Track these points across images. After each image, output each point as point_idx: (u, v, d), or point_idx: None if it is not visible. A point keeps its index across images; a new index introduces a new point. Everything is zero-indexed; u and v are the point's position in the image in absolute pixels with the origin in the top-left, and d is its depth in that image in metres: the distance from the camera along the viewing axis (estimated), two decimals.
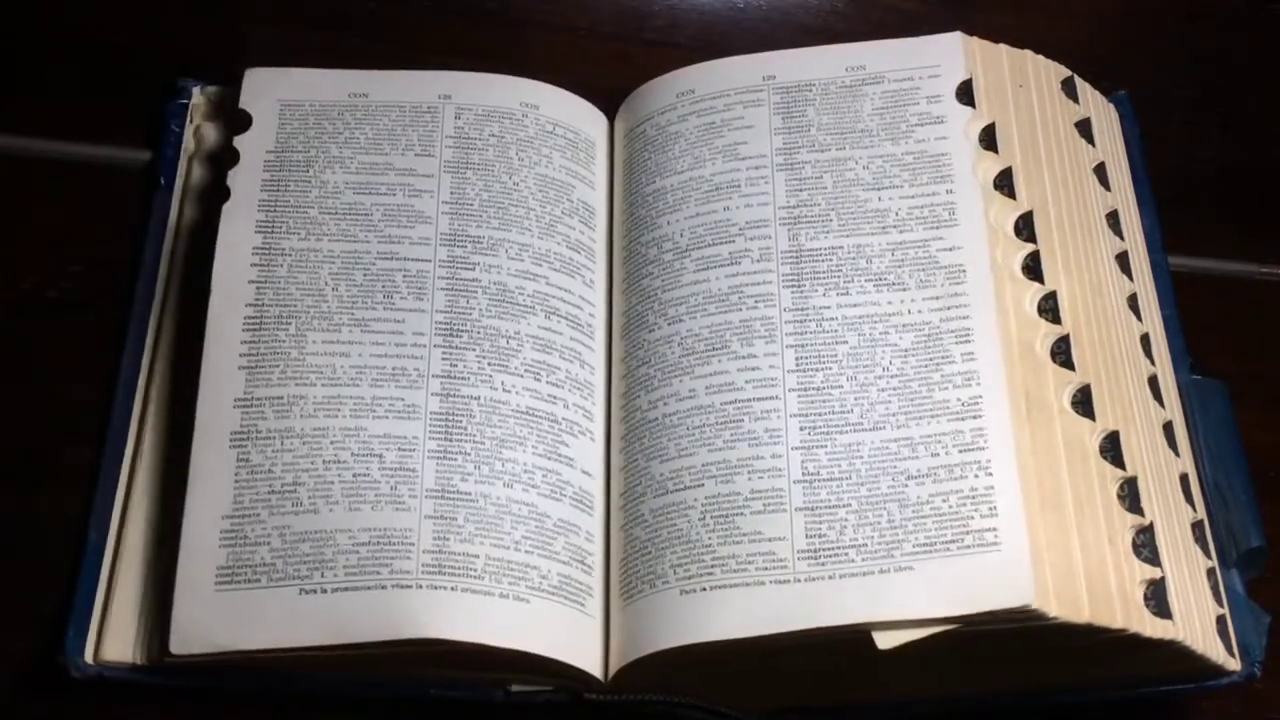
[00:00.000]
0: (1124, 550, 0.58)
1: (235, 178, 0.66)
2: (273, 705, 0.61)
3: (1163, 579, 0.58)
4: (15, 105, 0.74)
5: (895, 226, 0.65)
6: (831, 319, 0.63)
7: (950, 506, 0.58)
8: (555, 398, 0.64)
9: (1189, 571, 0.60)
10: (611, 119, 0.72)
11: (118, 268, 0.70)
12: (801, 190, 0.66)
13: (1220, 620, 0.60)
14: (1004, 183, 0.65)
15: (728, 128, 0.68)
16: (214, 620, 0.57)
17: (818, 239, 0.65)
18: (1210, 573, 0.61)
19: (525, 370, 0.64)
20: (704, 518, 0.60)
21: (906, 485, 0.59)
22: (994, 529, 0.57)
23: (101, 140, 0.73)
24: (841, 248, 0.65)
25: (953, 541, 0.57)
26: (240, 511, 0.59)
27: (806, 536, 0.59)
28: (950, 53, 0.68)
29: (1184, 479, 0.63)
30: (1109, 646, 0.58)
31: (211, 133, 0.71)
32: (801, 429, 0.61)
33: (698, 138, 0.68)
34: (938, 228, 0.64)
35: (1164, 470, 0.62)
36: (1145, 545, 0.59)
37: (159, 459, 0.64)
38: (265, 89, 0.69)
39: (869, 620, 0.56)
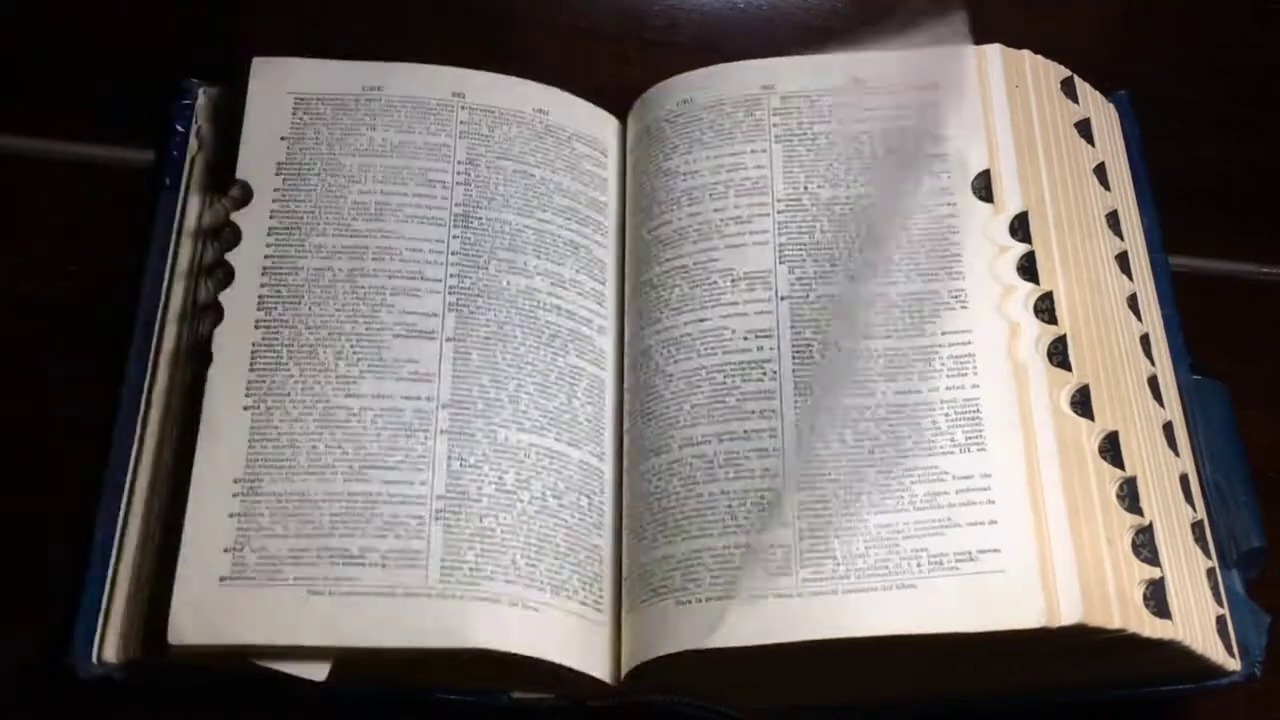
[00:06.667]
0: (1123, 550, 0.58)
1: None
2: (274, 706, 0.61)
3: (1162, 579, 0.58)
4: (15, 105, 0.74)
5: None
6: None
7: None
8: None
9: (1189, 572, 0.60)
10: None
11: (118, 268, 0.70)
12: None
13: (1220, 620, 0.60)
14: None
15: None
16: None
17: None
18: (1210, 573, 0.61)
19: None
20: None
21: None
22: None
23: (102, 140, 0.73)
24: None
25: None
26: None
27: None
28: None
29: (1184, 479, 0.63)
30: (1108, 647, 0.58)
31: (211, 135, 0.71)
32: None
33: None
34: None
35: (1164, 470, 0.62)
36: (1145, 545, 0.59)
37: (163, 458, 0.64)
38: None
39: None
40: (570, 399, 0.64)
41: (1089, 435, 0.60)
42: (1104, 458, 0.60)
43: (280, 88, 0.68)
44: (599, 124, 0.71)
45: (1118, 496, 0.60)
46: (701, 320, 0.64)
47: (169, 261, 0.68)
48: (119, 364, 0.66)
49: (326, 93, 0.69)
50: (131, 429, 0.65)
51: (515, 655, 0.58)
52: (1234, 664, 0.60)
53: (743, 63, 0.71)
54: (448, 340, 0.63)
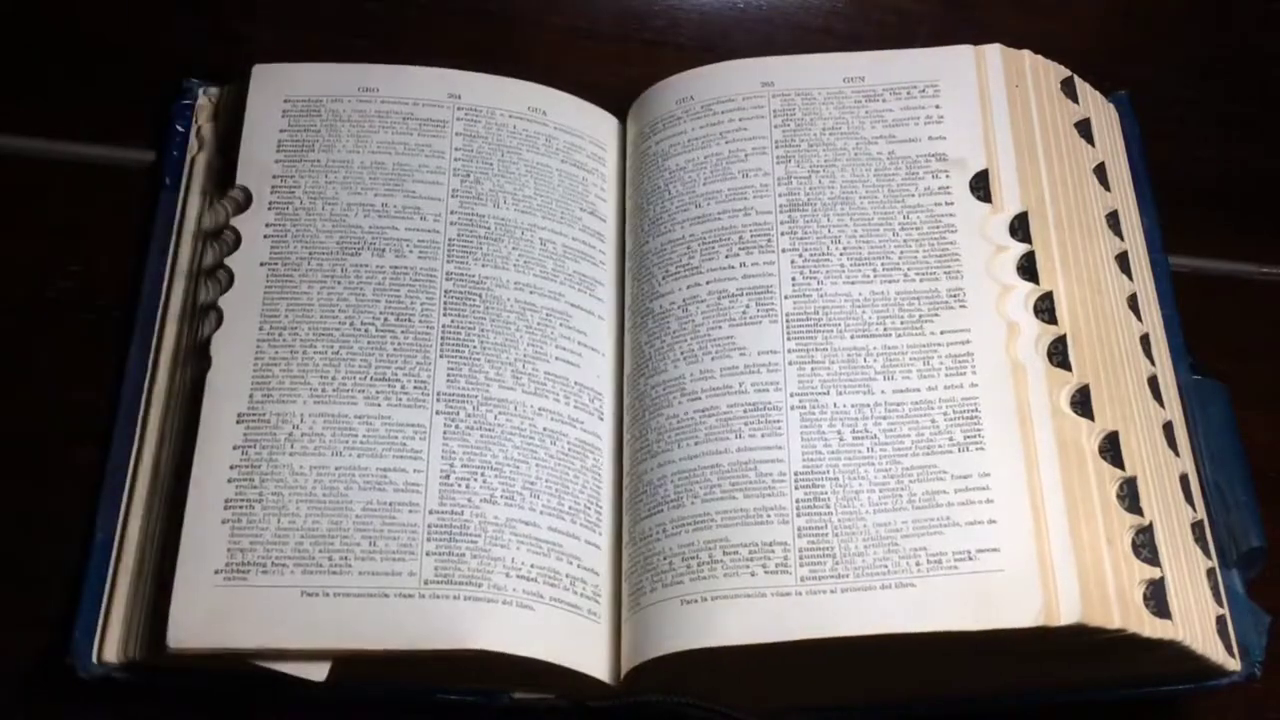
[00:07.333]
0: (1123, 550, 0.58)
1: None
2: (274, 706, 0.61)
3: (1162, 579, 0.58)
4: (15, 105, 0.74)
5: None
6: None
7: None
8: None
9: (1189, 571, 0.60)
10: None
11: (118, 268, 0.70)
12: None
13: (1220, 620, 0.60)
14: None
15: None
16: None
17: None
18: (1210, 573, 0.61)
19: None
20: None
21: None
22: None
23: (101, 140, 0.74)
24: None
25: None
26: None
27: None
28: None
29: (1184, 479, 0.63)
30: (1108, 647, 0.58)
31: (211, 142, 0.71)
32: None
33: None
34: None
35: (1164, 470, 0.62)
36: (1145, 545, 0.59)
37: (162, 458, 0.64)
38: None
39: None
40: (567, 399, 0.64)
41: (1089, 435, 0.60)
42: (1104, 458, 0.60)
43: (279, 93, 0.69)
44: (598, 123, 0.71)
45: (1118, 496, 0.60)
46: (703, 323, 0.64)
47: (169, 261, 0.68)
48: (119, 364, 0.66)
49: (324, 96, 0.69)
50: (131, 429, 0.65)
51: (509, 656, 0.58)
52: (1234, 664, 0.60)
53: (742, 61, 0.71)
54: (444, 343, 0.63)
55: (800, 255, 0.65)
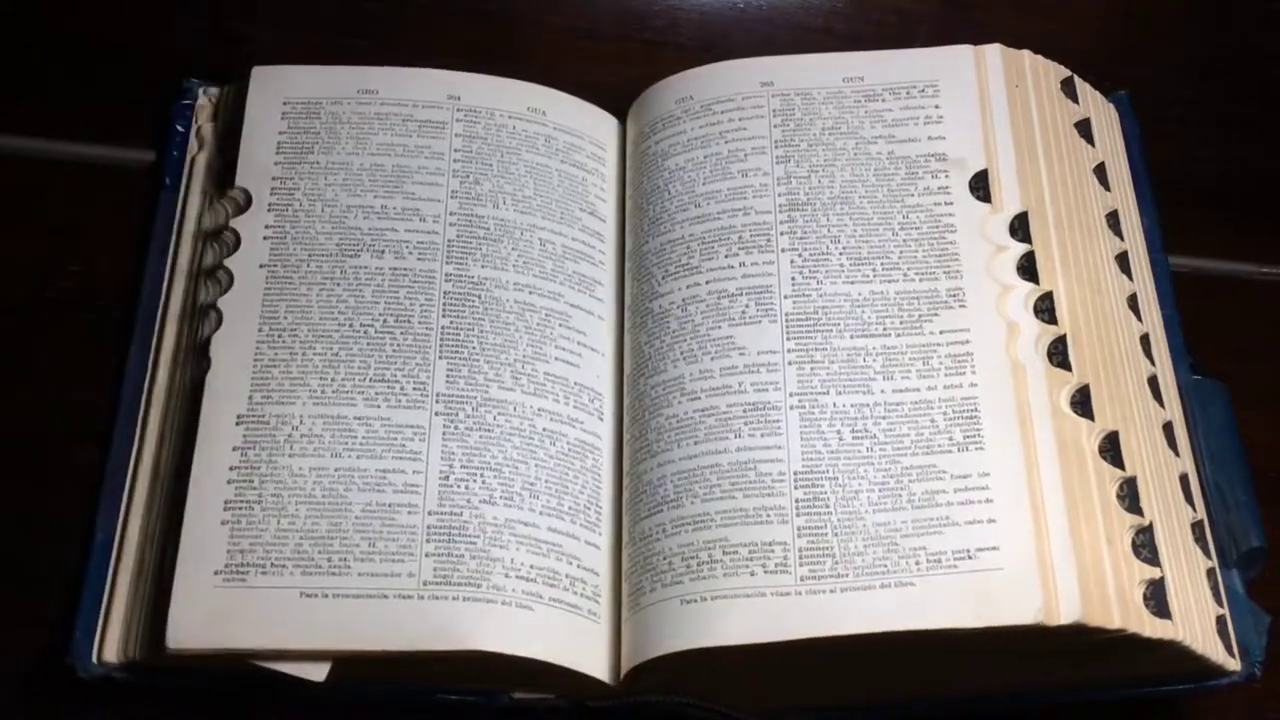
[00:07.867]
0: (1123, 550, 0.58)
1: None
2: (274, 706, 0.61)
3: (1162, 579, 0.58)
4: (15, 105, 0.74)
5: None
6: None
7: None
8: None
9: (1189, 571, 0.60)
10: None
11: (118, 268, 0.70)
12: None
13: (1220, 620, 0.60)
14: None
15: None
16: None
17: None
18: (1210, 573, 0.61)
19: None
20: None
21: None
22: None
23: (101, 140, 0.74)
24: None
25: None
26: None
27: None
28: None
29: (1184, 479, 0.63)
30: (1108, 647, 0.58)
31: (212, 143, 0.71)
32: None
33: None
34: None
35: (1164, 470, 0.62)
36: (1145, 545, 0.59)
37: (162, 458, 0.64)
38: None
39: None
40: (566, 399, 0.64)
41: (1089, 435, 0.60)
42: (1104, 458, 0.60)
43: (279, 94, 0.69)
44: (597, 123, 0.71)
45: (1118, 496, 0.60)
46: (703, 323, 0.64)
47: (169, 261, 0.68)
48: (119, 364, 0.66)
49: (323, 97, 0.69)
50: (131, 429, 0.65)
51: (509, 656, 0.58)
52: (1234, 664, 0.60)
53: (742, 61, 0.71)
54: (444, 344, 0.64)
55: (800, 255, 0.65)
